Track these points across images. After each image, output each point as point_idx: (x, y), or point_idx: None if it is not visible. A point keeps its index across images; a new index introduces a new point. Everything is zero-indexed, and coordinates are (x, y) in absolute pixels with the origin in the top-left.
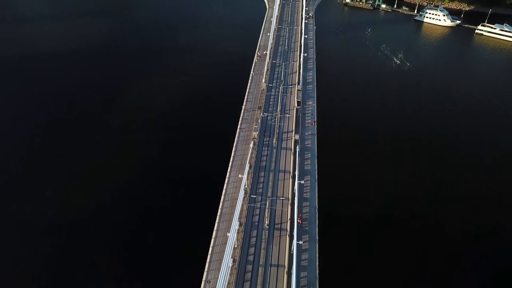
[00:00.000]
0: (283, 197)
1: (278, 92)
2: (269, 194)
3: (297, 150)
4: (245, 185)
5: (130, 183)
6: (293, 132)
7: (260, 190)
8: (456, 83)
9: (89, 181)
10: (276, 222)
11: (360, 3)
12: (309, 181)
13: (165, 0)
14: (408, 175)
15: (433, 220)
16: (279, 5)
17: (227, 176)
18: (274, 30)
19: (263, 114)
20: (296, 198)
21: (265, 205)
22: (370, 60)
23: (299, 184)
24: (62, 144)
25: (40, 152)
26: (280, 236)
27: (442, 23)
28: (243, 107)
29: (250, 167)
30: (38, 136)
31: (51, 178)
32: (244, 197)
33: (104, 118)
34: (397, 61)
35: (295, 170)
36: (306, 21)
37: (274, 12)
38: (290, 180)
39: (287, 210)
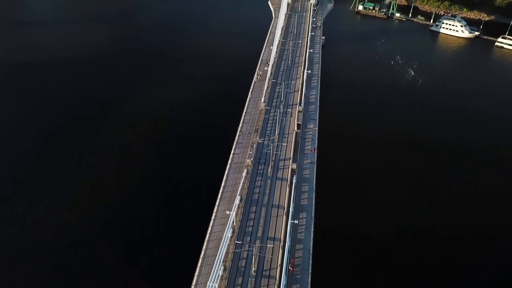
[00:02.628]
0: (274, 238)
1: (278, 113)
2: (259, 233)
3: (294, 181)
4: (233, 222)
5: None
6: (291, 160)
7: (250, 229)
8: (473, 101)
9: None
10: (264, 269)
11: (373, 11)
12: (304, 219)
13: (169, 7)
14: (424, 215)
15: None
16: (285, 14)
17: (215, 210)
18: (278, 43)
19: (259, 138)
20: (287, 242)
21: (254, 249)
22: (382, 75)
23: (293, 224)
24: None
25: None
26: (268, 285)
27: (459, 34)
28: (238, 129)
29: (240, 200)
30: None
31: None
32: (231, 237)
33: (86, 136)
34: (411, 75)
35: (290, 206)
36: (313, 33)
37: (279, 22)
38: (284, 217)
39: (278, 255)
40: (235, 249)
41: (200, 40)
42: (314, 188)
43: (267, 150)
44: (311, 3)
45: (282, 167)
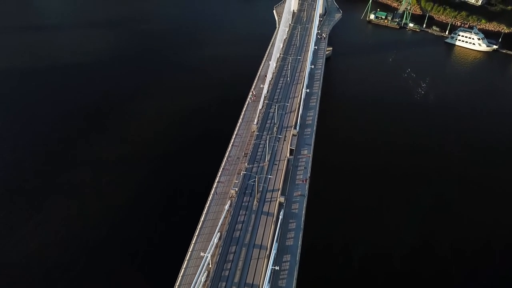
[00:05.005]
0: (252, 285)
1: (270, 136)
2: (237, 279)
3: (280, 217)
4: (208, 264)
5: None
6: (279, 192)
7: (226, 273)
8: (488, 123)
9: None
10: None
11: (385, 21)
12: (288, 263)
13: (174, 12)
14: (424, 259)
15: None
16: (289, 25)
17: (190, 249)
18: (278, 58)
19: (248, 164)
20: None
21: None
22: (390, 92)
23: (274, 270)
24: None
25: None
26: None
27: (476, 47)
28: (226, 154)
29: (219, 238)
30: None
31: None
32: (205, 282)
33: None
34: (422, 91)
35: (272, 247)
36: (316, 47)
37: (280, 35)
38: (265, 260)
39: None
40: None
41: (196, 51)
42: (302, 226)
43: (252, 182)
44: (316, 13)
45: (270, 199)
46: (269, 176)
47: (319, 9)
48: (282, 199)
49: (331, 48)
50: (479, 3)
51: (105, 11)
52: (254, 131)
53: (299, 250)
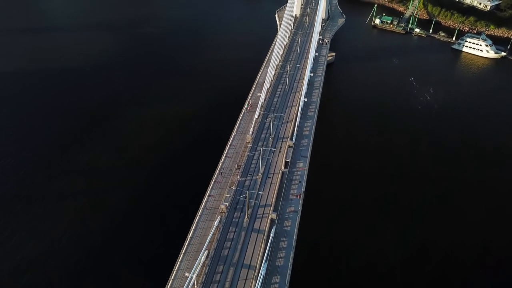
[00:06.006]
0: None
1: (265, 148)
2: None
3: (271, 235)
4: (194, 285)
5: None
6: (271, 208)
7: None
8: (495, 136)
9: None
10: None
11: (391, 25)
12: (277, 285)
13: (176, 15)
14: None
15: None
16: (290, 31)
17: (175, 268)
18: (277, 65)
19: (240, 177)
20: None
21: None
22: (392, 100)
23: None
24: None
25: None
26: None
27: (484, 54)
28: (219, 165)
29: (207, 257)
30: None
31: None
32: None
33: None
34: (425, 99)
35: (261, 268)
36: (317, 53)
37: (280, 41)
38: (253, 282)
39: None
40: None
41: (195, 56)
42: (294, 245)
43: (243, 197)
44: (317, 19)
45: (261, 215)
46: (261, 193)
47: (321, 14)
48: (274, 216)
49: (334, 54)
50: (488, 8)
51: (109, 13)
52: (248, 142)
53: (289, 271)
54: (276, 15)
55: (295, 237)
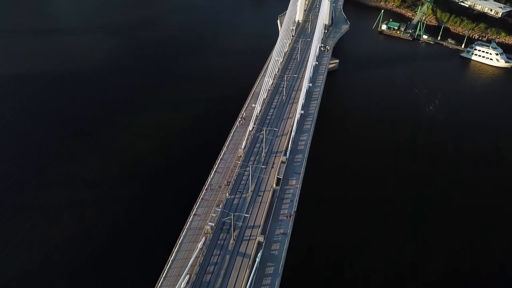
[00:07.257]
0: None
1: (257, 165)
2: None
3: (257, 260)
4: None
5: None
6: (259, 230)
7: None
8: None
9: None
10: None
11: (398, 32)
12: None
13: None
14: None
15: None
16: (292, 37)
17: None
18: (274, 75)
19: (229, 194)
20: None
21: None
22: (396, 111)
23: None
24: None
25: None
26: None
27: (493, 63)
28: (207, 182)
29: (187, 282)
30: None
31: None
32: None
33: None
34: (431, 110)
35: None
36: (317, 62)
37: (279, 48)
38: None
39: None
40: None
41: (192, 63)
42: (281, 271)
43: (229, 219)
44: (318, 25)
45: (248, 237)
46: (247, 215)
47: (323, 20)
48: (261, 239)
49: (337, 61)
50: (499, 15)
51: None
52: (240, 156)
53: None
54: (278, 21)
55: (282, 262)
